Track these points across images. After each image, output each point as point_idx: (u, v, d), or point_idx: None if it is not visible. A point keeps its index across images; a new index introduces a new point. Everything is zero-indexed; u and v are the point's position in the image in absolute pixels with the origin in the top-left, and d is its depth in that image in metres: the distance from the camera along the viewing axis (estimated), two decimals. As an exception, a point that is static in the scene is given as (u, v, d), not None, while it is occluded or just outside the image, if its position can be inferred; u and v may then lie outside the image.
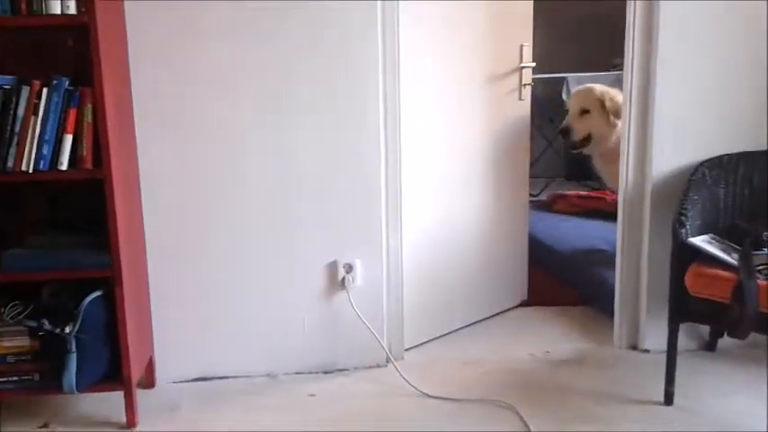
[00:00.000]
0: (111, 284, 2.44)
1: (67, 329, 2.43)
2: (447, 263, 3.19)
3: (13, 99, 2.33)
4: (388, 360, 2.90)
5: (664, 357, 2.56)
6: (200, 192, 2.76)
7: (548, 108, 5.71)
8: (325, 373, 2.89)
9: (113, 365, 2.50)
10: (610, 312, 3.10)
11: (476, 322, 3.34)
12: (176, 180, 2.74)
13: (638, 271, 2.98)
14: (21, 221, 2.64)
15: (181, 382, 2.84)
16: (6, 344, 2.47)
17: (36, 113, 2.32)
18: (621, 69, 2.94)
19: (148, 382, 2.80)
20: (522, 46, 3.32)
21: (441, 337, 3.19)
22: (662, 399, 2.57)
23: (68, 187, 2.47)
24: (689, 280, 2.44)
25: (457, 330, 3.26)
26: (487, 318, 3.39)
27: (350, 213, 2.82)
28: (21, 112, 2.32)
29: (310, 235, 2.82)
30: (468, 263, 3.27)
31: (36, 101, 2.32)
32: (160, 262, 2.77)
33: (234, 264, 2.81)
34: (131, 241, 2.59)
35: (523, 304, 3.57)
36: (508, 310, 3.50)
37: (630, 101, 2.89)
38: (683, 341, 2.60)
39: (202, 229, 2.78)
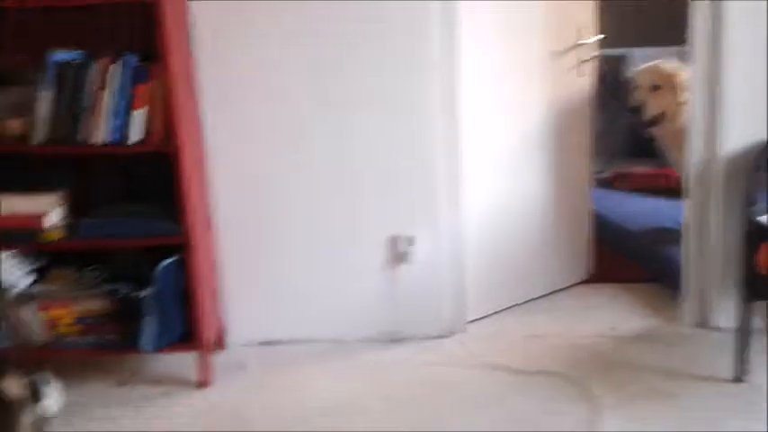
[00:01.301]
0: (183, 251, 2.51)
1: (143, 293, 2.52)
2: (510, 237, 3.17)
3: (84, 75, 2.40)
4: (451, 331, 2.92)
5: (732, 335, 2.52)
6: (266, 167, 2.82)
7: (612, 84, 5.60)
8: (390, 341, 2.92)
9: (186, 328, 2.58)
10: (677, 290, 3.05)
11: (539, 297, 3.32)
12: (244, 155, 2.80)
13: (706, 249, 2.92)
14: (97, 191, 2.73)
15: (250, 345, 2.91)
16: (87, 306, 2.58)
17: (106, 89, 2.39)
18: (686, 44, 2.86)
19: (219, 344, 2.87)
20: (582, 22, 3.25)
21: (504, 310, 3.18)
22: (731, 376, 2.53)
23: (140, 159, 2.54)
24: (761, 259, 2.39)
25: (520, 304, 3.24)
26: (551, 293, 3.37)
27: (410, 191, 2.85)
28: (91, 87, 2.39)
29: (374, 209, 2.86)
30: (531, 237, 3.25)
31: (106, 76, 2.39)
32: (230, 230, 2.84)
33: (302, 233, 2.87)
34: (200, 210, 2.65)
35: (588, 281, 3.53)
36: (572, 285, 3.47)
37: (697, 78, 2.81)
38: (753, 320, 2.55)
39: (271, 201, 2.84)
